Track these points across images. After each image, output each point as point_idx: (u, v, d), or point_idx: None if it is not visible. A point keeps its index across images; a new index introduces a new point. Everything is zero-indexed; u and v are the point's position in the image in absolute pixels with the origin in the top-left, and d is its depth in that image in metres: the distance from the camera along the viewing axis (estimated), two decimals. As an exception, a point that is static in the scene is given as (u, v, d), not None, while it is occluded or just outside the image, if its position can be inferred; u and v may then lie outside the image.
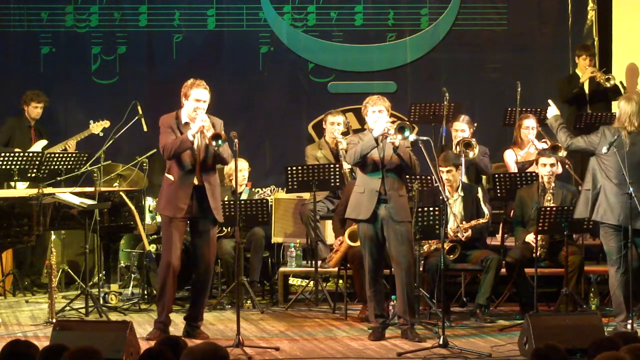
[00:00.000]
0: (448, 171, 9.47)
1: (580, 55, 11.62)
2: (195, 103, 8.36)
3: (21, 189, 10.30)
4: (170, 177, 8.41)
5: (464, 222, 9.36)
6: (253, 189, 10.86)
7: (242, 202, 9.79)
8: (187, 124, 8.37)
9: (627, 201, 8.14)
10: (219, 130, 8.32)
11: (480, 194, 9.47)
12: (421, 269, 9.22)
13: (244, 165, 10.28)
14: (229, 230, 10.04)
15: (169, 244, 8.40)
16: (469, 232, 9.29)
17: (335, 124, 10.55)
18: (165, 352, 5.31)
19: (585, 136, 8.49)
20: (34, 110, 11.17)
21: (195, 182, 8.37)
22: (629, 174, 8.13)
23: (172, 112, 8.50)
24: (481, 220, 9.36)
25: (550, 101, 8.81)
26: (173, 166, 8.40)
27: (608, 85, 11.36)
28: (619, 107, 8.43)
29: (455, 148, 10.23)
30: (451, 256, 9.24)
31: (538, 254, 9.12)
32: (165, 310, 8.51)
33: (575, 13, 12.40)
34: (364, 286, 9.19)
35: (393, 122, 8.44)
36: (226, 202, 9.58)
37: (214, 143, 8.22)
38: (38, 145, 10.97)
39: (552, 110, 8.71)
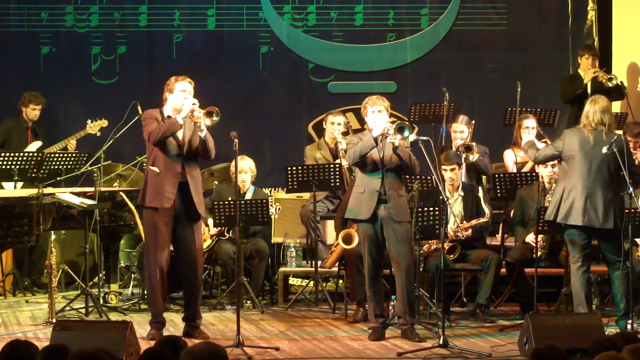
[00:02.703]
0: (451, 170, 9.49)
1: (583, 55, 11.60)
2: (182, 94, 8.39)
3: (11, 189, 10.29)
4: (155, 169, 8.39)
5: (464, 222, 9.36)
6: (262, 188, 10.84)
7: (243, 202, 9.77)
8: (170, 117, 8.39)
9: (585, 201, 8.34)
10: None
11: (480, 194, 9.47)
12: (421, 269, 9.22)
13: (250, 165, 10.25)
14: (230, 235, 10.04)
15: (155, 243, 8.37)
16: (469, 231, 9.29)
17: (335, 124, 10.53)
18: (165, 352, 5.31)
19: (551, 144, 8.77)
20: (32, 112, 11.16)
21: (180, 175, 8.36)
22: (592, 174, 8.34)
23: (156, 108, 8.53)
24: (482, 220, 9.37)
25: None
26: (158, 158, 8.38)
27: (610, 85, 11.35)
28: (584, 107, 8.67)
29: (457, 152, 10.22)
30: (451, 256, 9.24)
31: (538, 254, 9.12)
32: (161, 310, 8.52)
33: (575, 13, 12.39)
34: (358, 288, 9.22)
35: (393, 122, 8.44)
36: (227, 202, 9.59)
37: (207, 122, 8.23)
38: (32, 147, 10.95)
39: (527, 138, 9.04)
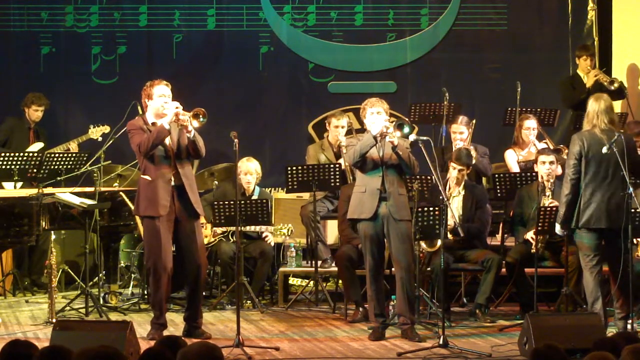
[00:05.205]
0: (460, 170, 9.49)
1: (581, 55, 11.60)
2: (161, 98, 8.38)
3: (11, 189, 10.29)
4: (147, 177, 8.35)
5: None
6: (264, 189, 10.82)
7: (244, 202, 9.75)
8: (154, 124, 8.37)
9: (604, 202, 8.17)
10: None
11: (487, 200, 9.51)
12: (428, 268, 9.23)
13: (256, 167, 10.23)
14: (232, 238, 10.02)
15: (158, 247, 8.32)
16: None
17: (339, 127, 10.53)
18: (165, 351, 5.31)
19: (568, 160, 8.40)
20: (35, 113, 11.16)
21: (173, 180, 8.35)
22: (605, 173, 8.20)
23: (138, 118, 8.53)
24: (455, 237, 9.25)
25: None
26: (148, 167, 8.33)
27: (612, 88, 11.33)
28: (587, 105, 8.44)
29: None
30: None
31: (537, 249, 9.10)
32: (164, 313, 8.52)
33: (575, 13, 12.39)
34: (352, 288, 9.23)
35: (392, 122, 8.44)
36: (226, 203, 9.59)
37: (195, 124, 8.20)
38: (33, 149, 10.95)
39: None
